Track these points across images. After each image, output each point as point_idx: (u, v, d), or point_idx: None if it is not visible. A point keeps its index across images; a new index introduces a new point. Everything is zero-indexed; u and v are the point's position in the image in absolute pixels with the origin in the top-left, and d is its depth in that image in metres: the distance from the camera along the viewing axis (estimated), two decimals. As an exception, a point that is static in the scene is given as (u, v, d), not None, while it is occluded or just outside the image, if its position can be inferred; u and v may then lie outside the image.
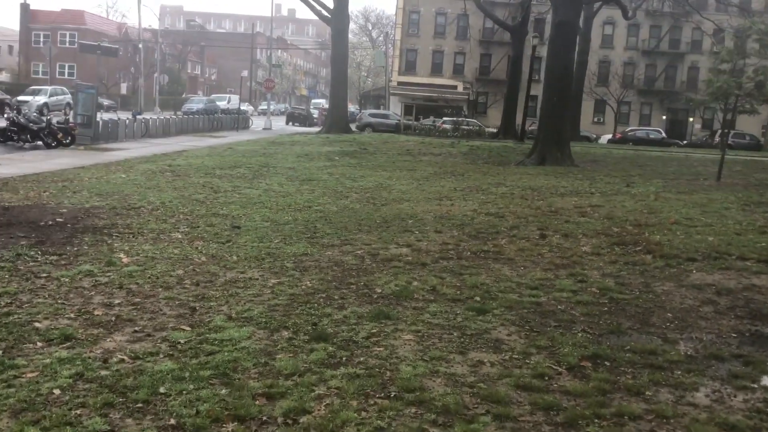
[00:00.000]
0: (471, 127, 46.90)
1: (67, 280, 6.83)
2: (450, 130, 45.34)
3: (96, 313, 5.77)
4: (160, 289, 6.59)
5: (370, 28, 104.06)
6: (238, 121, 44.23)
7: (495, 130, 46.20)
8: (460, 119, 47.79)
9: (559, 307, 6.14)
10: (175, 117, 38.78)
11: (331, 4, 39.41)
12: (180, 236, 9.30)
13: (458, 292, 6.56)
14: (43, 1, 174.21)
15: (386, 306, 6.07)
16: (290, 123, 59.74)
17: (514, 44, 42.90)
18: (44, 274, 7.02)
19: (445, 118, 51.71)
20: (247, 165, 19.32)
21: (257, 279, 7.04)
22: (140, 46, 64.35)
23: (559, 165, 20.53)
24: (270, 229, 9.86)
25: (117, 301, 6.16)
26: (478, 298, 6.34)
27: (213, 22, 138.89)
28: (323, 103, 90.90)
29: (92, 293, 6.42)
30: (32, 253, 7.87)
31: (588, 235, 9.47)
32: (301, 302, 6.17)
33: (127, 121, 30.91)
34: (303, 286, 6.73)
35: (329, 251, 8.54)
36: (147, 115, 38.73)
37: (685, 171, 20.81)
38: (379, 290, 6.60)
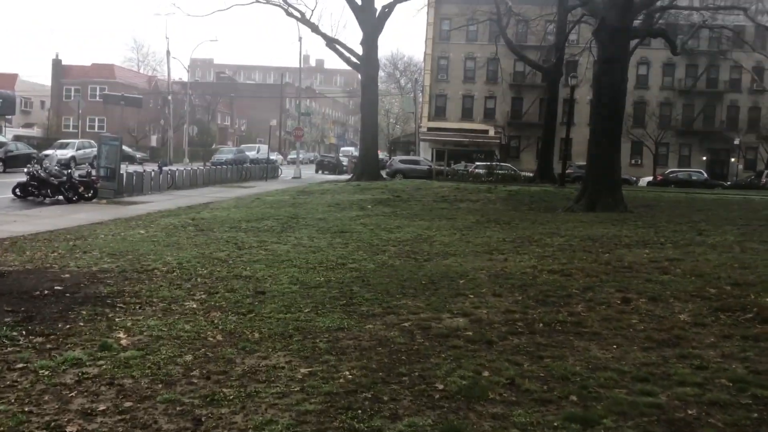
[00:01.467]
0: (505, 172, 45.43)
1: (46, 373, 5.43)
2: (484, 175, 43.94)
3: (68, 430, 4.33)
4: (160, 386, 5.15)
5: (398, 75, 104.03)
6: (267, 170, 43.35)
7: (531, 174, 44.68)
8: (493, 164, 46.39)
9: (689, 412, 4.54)
10: (202, 168, 37.99)
11: (359, 51, 38.67)
12: (195, 306, 7.90)
13: (545, 387, 5.02)
14: (75, 57, 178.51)
15: (454, 413, 4.54)
16: (320, 171, 58.91)
17: (549, 86, 41.62)
18: (21, 364, 5.63)
19: (477, 163, 50.38)
20: (275, 217, 18.04)
21: (283, 368, 5.57)
22: (169, 98, 64.45)
23: (612, 211, 18.91)
24: (299, 294, 8.43)
25: (101, 408, 4.71)
26: (574, 398, 4.79)
27: (243, 74, 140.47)
28: (352, 150, 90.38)
29: (73, 394, 4.99)
30: (14, 333, 6.51)
31: (680, 298, 7.87)
32: (340, 407, 4.66)
33: (153, 173, 30.03)
34: (341, 380, 5.23)
35: (370, 323, 7.06)
36: (175, 167, 38.00)
37: (752, 215, 19.02)
38: (441, 385, 5.08)
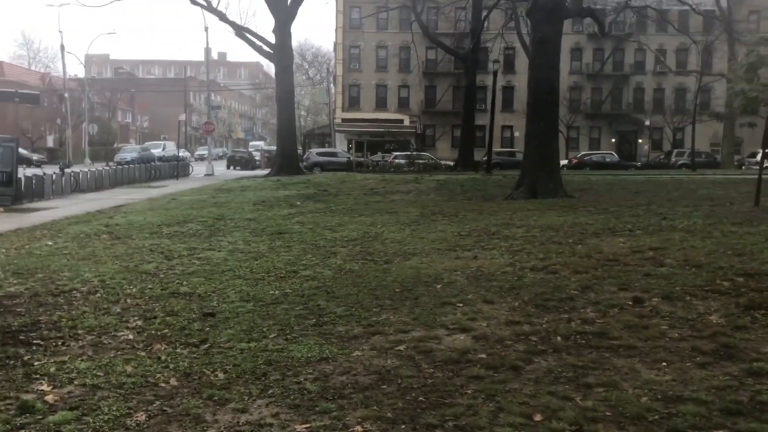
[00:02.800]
0: (425, 161, 44.78)
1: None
2: (405, 165, 43.12)
3: None
4: (110, 469, 3.76)
5: (307, 67, 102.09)
6: (177, 168, 40.93)
7: (451, 163, 44.18)
8: (413, 153, 45.64)
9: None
10: (107, 168, 35.37)
11: (272, 39, 36.89)
12: (131, 336, 6.43)
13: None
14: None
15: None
16: (232, 167, 56.58)
17: (466, 73, 41.09)
18: None
19: (396, 153, 49.59)
20: (199, 219, 16.39)
21: (272, 425, 4.25)
22: (66, 95, 60.41)
23: (554, 197, 18.26)
24: (257, 315, 7.06)
25: None
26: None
27: (142, 69, 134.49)
28: (262, 144, 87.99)
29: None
30: None
31: (696, 295, 6.99)
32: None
33: (54, 175, 27.47)
34: (356, 439, 3.98)
35: (356, 349, 5.81)
36: (77, 168, 35.21)
37: (693, 195, 18.79)
38: (490, 440, 3.91)
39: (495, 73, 34.16)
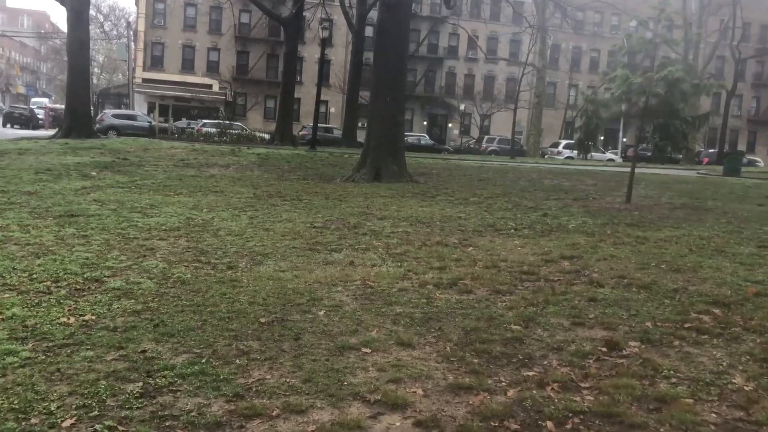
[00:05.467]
0: (239, 132, 41.45)
1: None
2: (216, 135, 39.51)
3: None
4: None
5: (102, 20, 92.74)
6: (-66, 122, 34.09)
7: (266, 136, 41.20)
8: (225, 122, 42.02)
9: None
10: None
11: (63, -21, 31.51)
12: None
13: None
14: None
15: None
16: (9, 125, 49.17)
17: (288, 40, 38.23)
18: None
19: (205, 121, 45.65)
20: (-43, 190, 12.46)
21: None
22: None
23: (398, 181, 16.35)
24: (38, 372, 4.22)
25: None
26: None
27: None
28: (46, 102, 78.36)
29: None
30: None
31: (681, 336, 5.13)
32: None
33: None
34: None
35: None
36: None
37: (549, 186, 17.73)
38: None
39: (323, 41, 31.68)
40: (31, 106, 66.04)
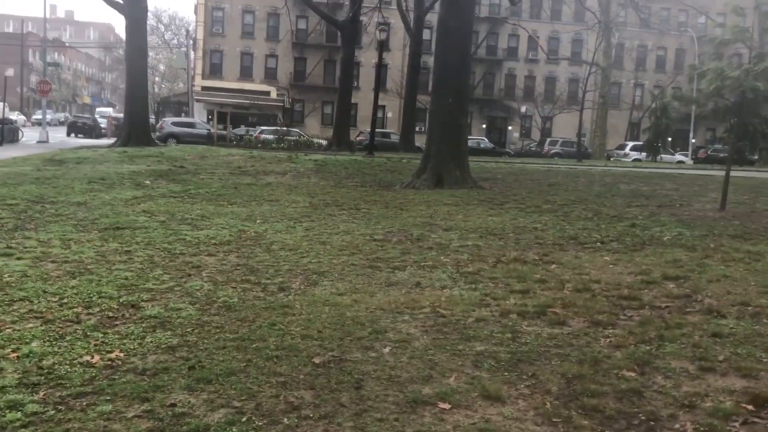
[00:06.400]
0: (296, 138, 41.06)
1: None
2: (273, 141, 39.20)
3: None
4: None
5: (163, 30, 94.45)
6: (2, 132, 34.61)
7: (323, 142, 40.66)
8: (283, 129, 41.70)
9: None
10: None
11: (123, -12, 31.60)
12: None
13: None
14: None
15: None
16: (73, 134, 50.00)
17: (345, 44, 37.60)
18: None
19: (263, 128, 45.40)
20: (8, 200, 12.02)
21: None
22: None
23: (462, 187, 15.33)
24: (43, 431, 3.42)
25: None
26: None
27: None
28: (111, 111, 79.91)
29: None
30: None
31: None
32: None
33: None
34: None
35: None
36: None
37: (626, 192, 16.39)
38: None
39: (381, 44, 30.92)
40: (95, 116, 67.39)
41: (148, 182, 16.33)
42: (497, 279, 6.80)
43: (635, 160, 44.70)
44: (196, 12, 60.40)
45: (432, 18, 58.21)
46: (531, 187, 16.70)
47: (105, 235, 9.15)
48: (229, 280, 6.83)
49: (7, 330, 5.07)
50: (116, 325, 5.32)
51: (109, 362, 4.47)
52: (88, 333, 5.03)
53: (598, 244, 8.86)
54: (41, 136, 38.01)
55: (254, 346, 4.79)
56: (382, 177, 18.99)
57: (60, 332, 5.05)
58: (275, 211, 11.80)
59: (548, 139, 52.71)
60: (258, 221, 10.61)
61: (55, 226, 9.73)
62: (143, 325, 5.29)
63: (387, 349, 4.77)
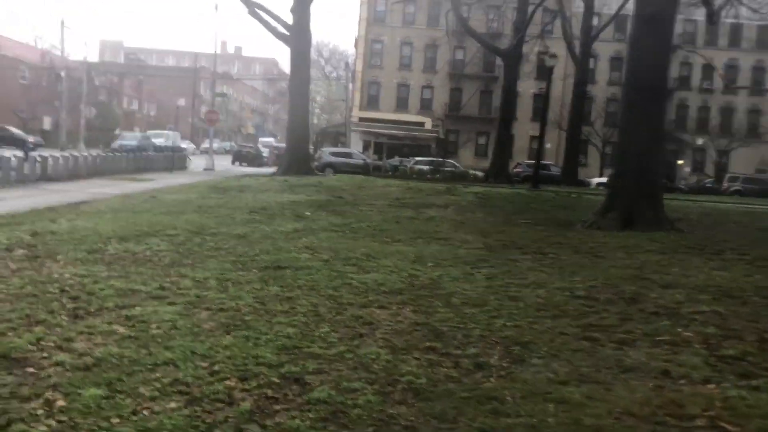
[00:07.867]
0: (451, 169, 39.96)
1: None
2: (429, 172, 38.31)
3: None
4: None
5: (323, 63, 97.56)
6: (173, 160, 36.13)
7: (480, 173, 39.23)
8: (438, 159, 40.75)
9: None
10: (89, 155, 30.54)
11: (288, 20, 32.08)
12: None
13: None
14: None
15: None
16: (237, 163, 51.91)
17: (507, 72, 36.12)
18: None
19: (418, 158, 44.71)
20: (170, 230, 11.50)
21: None
22: (62, 74, 55.70)
23: (657, 229, 13.23)
24: None
25: None
26: None
27: (155, 58, 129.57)
28: (272, 141, 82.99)
29: None
30: None
31: None
32: None
33: (13, 159, 22.71)
34: None
35: None
36: (66, 152, 30.49)
37: None
38: None
39: (549, 71, 29.17)
40: (257, 145, 70.11)
41: (308, 213, 15.59)
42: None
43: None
44: (356, 45, 61.42)
45: (597, 47, 55.56)
46: (740, 232, 14.26)
47: (265, 275, 8.17)
48: (410, 347, 5.49)
49: (144, 411, 3.98)
50: (277, 410, 4.11)
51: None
52: (242, 427, 3.83)
53: None
54: (207, 164, 39.40)
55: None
56: (556, 214, 17.19)
57: (207, 421, 3.89)
58: (446, 252, 10.43)
59: (727, 175, 48.08)
60: (429, 264, 9.27)
61: (213, 262, 8.91)
62: (310, 415, 4.04)
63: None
